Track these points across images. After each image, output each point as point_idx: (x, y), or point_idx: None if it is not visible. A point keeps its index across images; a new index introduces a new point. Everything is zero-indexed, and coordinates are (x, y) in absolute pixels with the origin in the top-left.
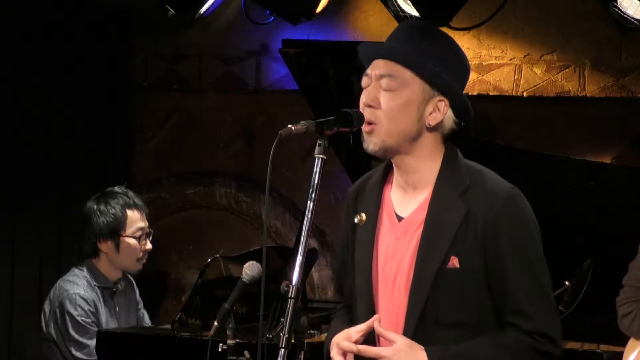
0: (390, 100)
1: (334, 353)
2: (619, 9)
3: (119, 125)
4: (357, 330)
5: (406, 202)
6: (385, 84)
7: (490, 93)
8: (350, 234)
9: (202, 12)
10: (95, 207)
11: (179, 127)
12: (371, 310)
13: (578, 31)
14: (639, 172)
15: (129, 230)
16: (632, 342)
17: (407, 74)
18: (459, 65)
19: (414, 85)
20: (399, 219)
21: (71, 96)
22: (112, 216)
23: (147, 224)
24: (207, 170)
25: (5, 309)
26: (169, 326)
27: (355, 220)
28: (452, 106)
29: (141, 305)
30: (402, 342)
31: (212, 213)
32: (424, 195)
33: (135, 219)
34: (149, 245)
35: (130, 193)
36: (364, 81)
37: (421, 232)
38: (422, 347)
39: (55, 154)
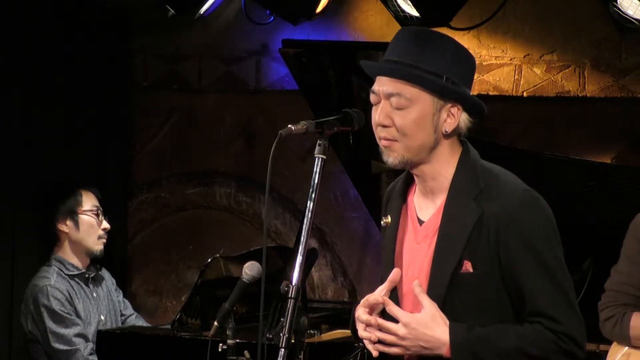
0: (403, 118)
1: (360, 312)
2: (619, 9)
3: (119, 125)
4: (380, 290)
5: (426, 206)
6: (395, 102)
7: (490, 93)
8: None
9: (202, 12)
10: (53, 197)
11: (179, 127)
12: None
13: (578, 31)
14: (639, 172)
15: (85, 207)
16: (614, 346)
17: (414, 90)
18: (464, 66)
19: (424, 99)
20: (420, 222)
21: (71, 96)
22: (69, 197)
23: (100, 207)
24: (207, 170)
25: (5, 309)
26: (169, 326)
27: (382, 223)
28: (465, 108)
29: (120, 292)
30: (427, 312)
31: (212, 213)
32: (442, 198)
33: (91, 198)
34: (106, 224)
35: (85, 182)
36: (373, 98)
37: (437, 235)
38: (447, 322)
39: (55, 154)
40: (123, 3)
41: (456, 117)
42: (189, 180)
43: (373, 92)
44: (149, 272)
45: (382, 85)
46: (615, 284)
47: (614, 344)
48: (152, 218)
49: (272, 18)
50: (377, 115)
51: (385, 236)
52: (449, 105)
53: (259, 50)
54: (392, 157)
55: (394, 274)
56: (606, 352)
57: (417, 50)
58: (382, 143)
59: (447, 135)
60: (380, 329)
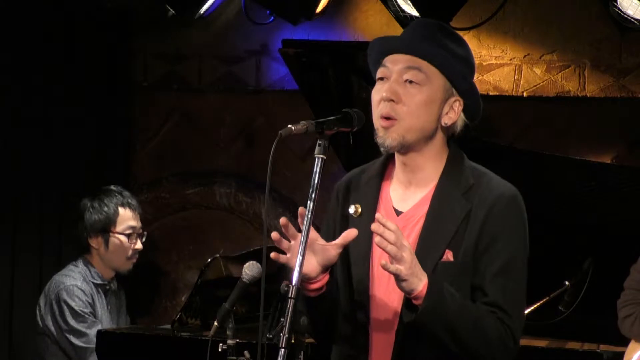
0: (414, 95)
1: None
2: (619, 9)
3: (119, 125)
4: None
5: (406, 197)
6: (412, 75)
7: (490, 93)
8: (340, 225)
9: (202, 12)
10: (89, 203)
11: (179, 127)
12: (366, 302)
13: (578, 31)
14: (639, 172)
15: (119, 228)
16: (632, 344)
17: (432, 70)
18: (473, 65)
19: (438, 82)
20: (397, 213)
21: (71, 96)
22: (104, 213)
23: (139, 224)
24: (207, 170)
25: (5, 308)
26: (169, 326)
27: (351, 211)
28: (464, 107)
29: (127, 316)
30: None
31: (212, 213)
32: (426, 191)
33: (127, 218)
34: (139, 245)
35: (126, 193)
36: (382, 72)
37: (421, 226)
38: None
39: (55, 153)
40: (123, 3)
41: (456, 113)
42: (189, 180)
43: (383, 66)
44: (148, 272)
45: (399, 61)
46: (635, 282)
47: (632, 342)
48: (152, 218)
49: (272, 18)
50: (384, 90)
51: (353, 226)
52: (454, 98)
53: (259, 50)
54: (390, 139)
55: (350, 232)
56: (606, 351)
57: (438, 37)
58: (382, 123)
59: (443, 129)
60: (394, 232)
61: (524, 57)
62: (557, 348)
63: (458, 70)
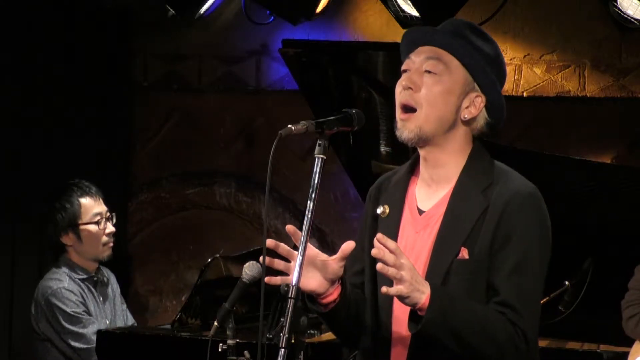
0: (432, 85)
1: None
2: (619, 9)
3: (119, 125)
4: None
5: (429, 196)
6: (431, 65)
7: None
8: (369, 227)
9: (202, 12)
10: (51, 206)
11: (179, 127)
12: (389, 302)
13: (578, 31)
14: (639, 172)
15: (85, 218)
16: (637, 344)
17: (454, 62)
18: (501, 69)
19: (458, 74)
20: (420, 212)
21: (71, 96)
22: (67, 209)
23: (104, 208)
24: (207, 170)
25: (5, 309)
26: (169, 326)
27: (378, 211)
28: (487, 105)
29: (123, 301)
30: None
31: (212, 213)
32: (447, 189)
33: (90, 206)
34: (110, 228)
35: (83, 183)
36: (406, 64)
37: (439, 224)
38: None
39: (56, 153)
40: (123, 3)
41: (477, 108)
42: (189, 180)
43: (408, 58)
44: (149, 272)
45: (422, 52)
46: (639, 282)
47: (636, 342)
48: (152, 218)
49: (272, 18)
50: (403, 79)
51: (381, 226)
52: (475, 94)
53: (259, 50)
54: (407, 131)
55: (348, 245)
56: (606, 351)
57: (465, 33)
58: (401, 116)
59: (463, 123)
60: (393, 252)
61: (524, 57)
62: (557, 348)
63: (480, 65)
